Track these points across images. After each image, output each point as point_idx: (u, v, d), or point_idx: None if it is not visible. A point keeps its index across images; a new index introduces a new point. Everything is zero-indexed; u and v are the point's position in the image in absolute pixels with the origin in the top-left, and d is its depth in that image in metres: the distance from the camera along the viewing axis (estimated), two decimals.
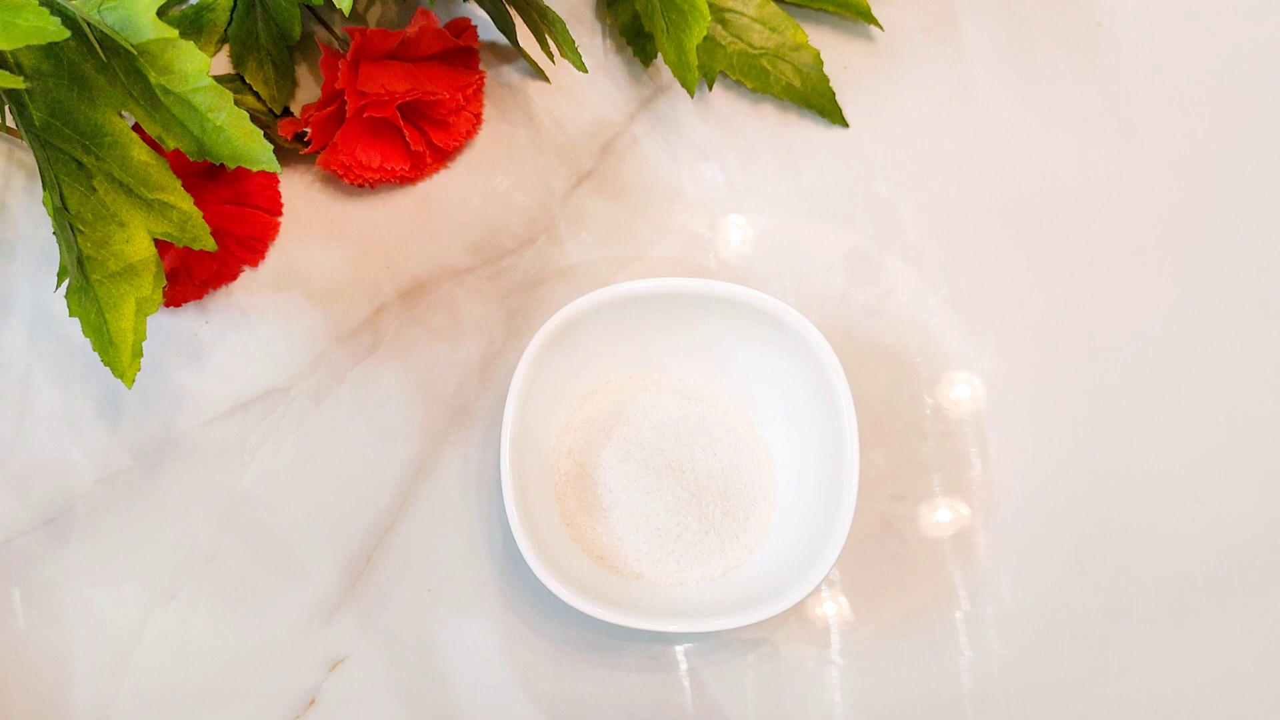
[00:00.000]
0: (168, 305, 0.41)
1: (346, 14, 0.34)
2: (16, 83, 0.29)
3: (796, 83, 0.44)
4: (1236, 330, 0.43)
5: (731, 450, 0.39)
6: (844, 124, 0.44)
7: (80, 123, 0.32)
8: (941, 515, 0.40)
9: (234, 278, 0.41)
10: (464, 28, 0.42)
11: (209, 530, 0.40)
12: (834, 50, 0.45)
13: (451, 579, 0.39)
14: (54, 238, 0.34)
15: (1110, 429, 0.41)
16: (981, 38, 0.46)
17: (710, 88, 0.44)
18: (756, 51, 0.44)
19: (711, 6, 0.43)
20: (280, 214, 0.41)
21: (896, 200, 0.44)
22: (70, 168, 0.33)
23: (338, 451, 0.40)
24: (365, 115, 0.40)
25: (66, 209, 0.33)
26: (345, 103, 0.39)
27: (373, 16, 0.45)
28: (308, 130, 0.40)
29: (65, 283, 0.34)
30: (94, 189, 0.33)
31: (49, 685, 0.38)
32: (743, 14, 0.44)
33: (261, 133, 0.32)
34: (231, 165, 0.32)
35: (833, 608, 0.39)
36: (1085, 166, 0.44)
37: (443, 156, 0.43)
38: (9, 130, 0.42)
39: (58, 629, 0.39)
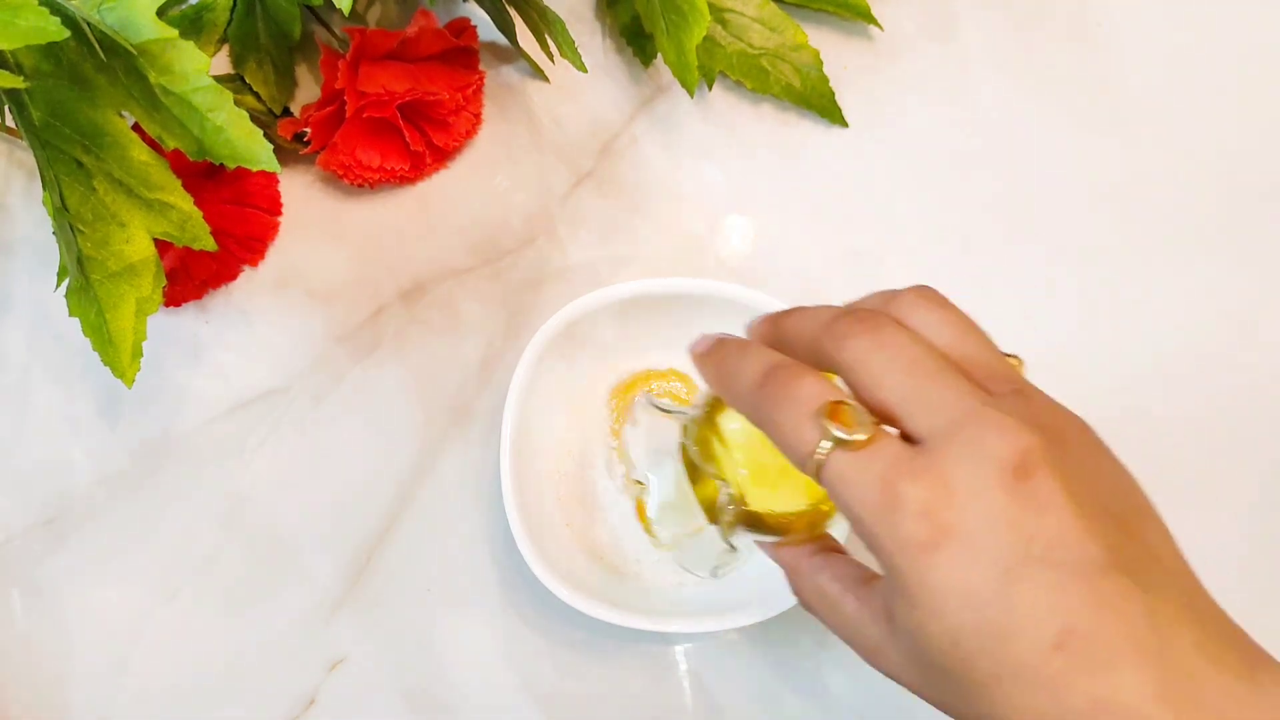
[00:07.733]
0: (168, 305, 0.40)
1: (346, 14, 0.34)
2: (16, 83, 0.29)
3: (796, 83, 0.44)
4: (1237, 330, 0.42)
5: None
6: (844, 124, 0.44)
7: (80, 123, 0.32)
8: None
9: (234, 278, 0.41)
10: (464, 28, 0.42)
11: (209, 530, 0.40)
12: (834, 50, 0.45)
13: (451, 579, 0.39)
14: (54, 238, 0.34)
15: (1110, 429, 0.41)
16: (981, 38, 0.46)
17: (710, 88, 0.44)
18: (756, 51, 0.44)
19: (711, 6, 0.43)
20: (280, 214, 0.41)
21: (896, 200, 0.44)
22: (70, 168, 0.33)
23: (338, 451, 0.40)
24: (365, 115, 0.40)
25: (66, 209, 0.33)
26: (345, 103, 0.39)
27: (373, 16, 0.45)
28: (308, 130, 0.40)
29: (65, 283, 0.34)
30: (94, 189, 0.33)
31: (49, 685, 0.38)
32: (743, 14, 0.44)
33: (261, 133, 0.32)
34: (231, 165, 0.32)
35: None
36: (1085, 166, 0.44)
37: (443, 156, 0.43)
38: (9, 130, 0.42)
39: (58, 629, 0.39)
